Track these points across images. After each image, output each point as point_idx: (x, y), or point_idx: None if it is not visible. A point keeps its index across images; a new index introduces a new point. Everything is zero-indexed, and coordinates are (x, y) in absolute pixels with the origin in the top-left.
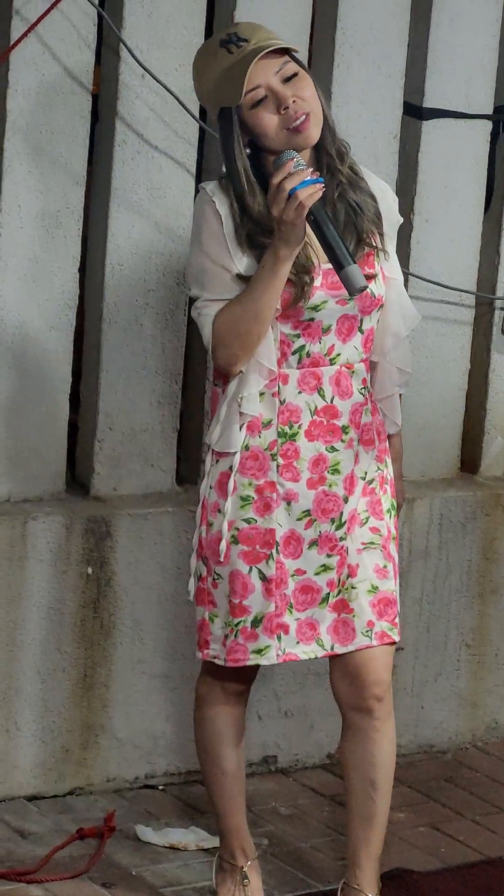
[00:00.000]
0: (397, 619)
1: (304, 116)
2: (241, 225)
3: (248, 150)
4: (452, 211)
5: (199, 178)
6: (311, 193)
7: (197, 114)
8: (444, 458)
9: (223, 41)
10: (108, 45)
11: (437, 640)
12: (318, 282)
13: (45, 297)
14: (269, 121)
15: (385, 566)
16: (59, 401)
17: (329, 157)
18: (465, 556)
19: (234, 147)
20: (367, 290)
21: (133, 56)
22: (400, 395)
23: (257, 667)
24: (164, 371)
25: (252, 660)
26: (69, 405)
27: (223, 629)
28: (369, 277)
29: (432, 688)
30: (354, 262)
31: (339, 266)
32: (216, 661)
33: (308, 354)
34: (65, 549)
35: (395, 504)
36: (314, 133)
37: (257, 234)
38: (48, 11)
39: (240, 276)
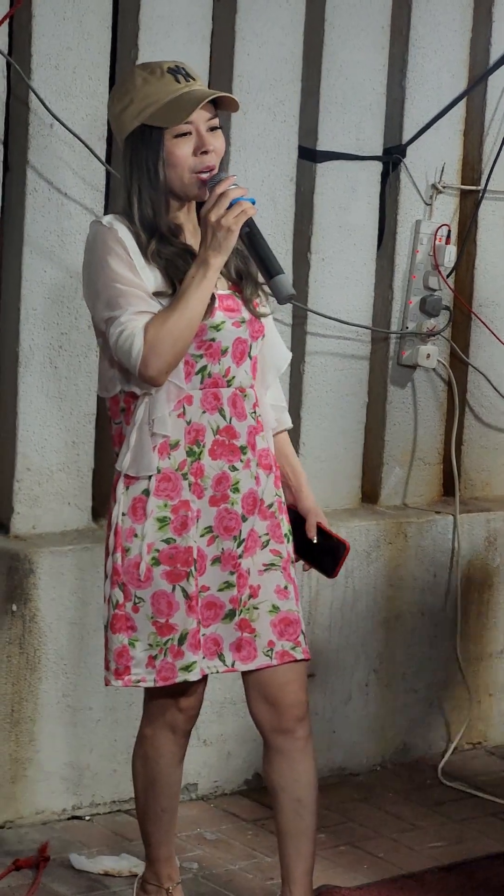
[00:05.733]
0: (300, 639)
1: (208, 171)
2: (147, 243)
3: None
4: (347, 249)
5: None
6: (251, 205)
7: (104, 158)
8: (346, 489)
9: (171, 69)
10: (16, 97)
11: (346, 666)
12: (215, 303)
13: None
14: (184, 154)
15: (286, 587)
16: None
17: None
18: (370, 583)
19: (158, 160)
20: (261, 316)
21: (44, 105)
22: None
23: (201, 704)
24: (77, 412)
25: (180, 676)
26: None
27: (147, 651)
28: (261, 315)
29: (343, 712)
30: (284, 272)
31: (269, 275)
32: (141, 684)
33: (209, 375)
34: None
35: (290, 529)
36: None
37: (163, 247)
38: None
39: (154, 294)
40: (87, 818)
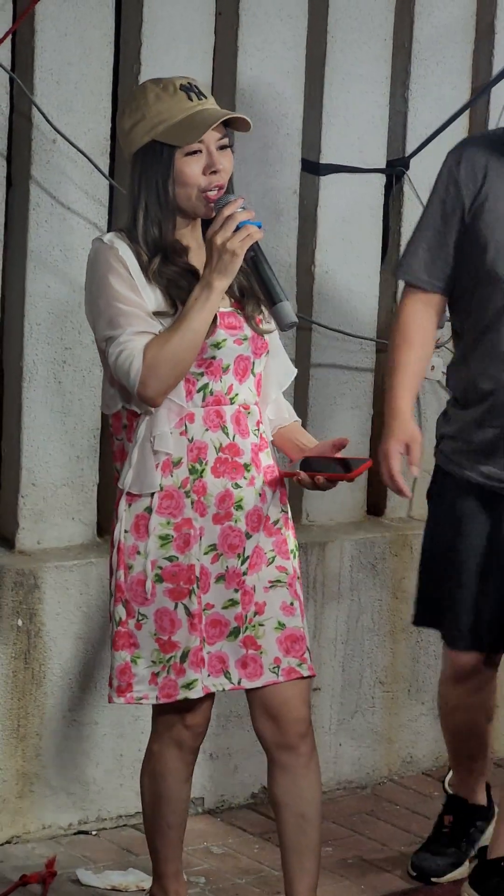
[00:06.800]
0: (306, 655)
1: (217, 190)
2: (149, 261)
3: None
4: (351, 262)
5: None
6: (258, 229)
7: (107, 173)
8: (352, 502)
9: (184, 87)
10: (19, 112)
11: (353, 679)
12: (217, 322)
13: None
14: (194, 173)
15: (292, 603)
16: None
17: None
18: (376, 595)
19: (168, 177)
20: (264, 333)
21: (47, 120)
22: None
23: (208, 721)
24: (82, 427)
25: (181, 694)
26: None
27: (150, 668)
28: (263, 332)
29: (349, 725)
30: (287, 299)
31: (272, 301)
32: (144, 701)
33: (211, 392)
34: None
35: (298, 546)
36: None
37: (165, 266)
38: None
39: (155, 314)
40: (94, 833)
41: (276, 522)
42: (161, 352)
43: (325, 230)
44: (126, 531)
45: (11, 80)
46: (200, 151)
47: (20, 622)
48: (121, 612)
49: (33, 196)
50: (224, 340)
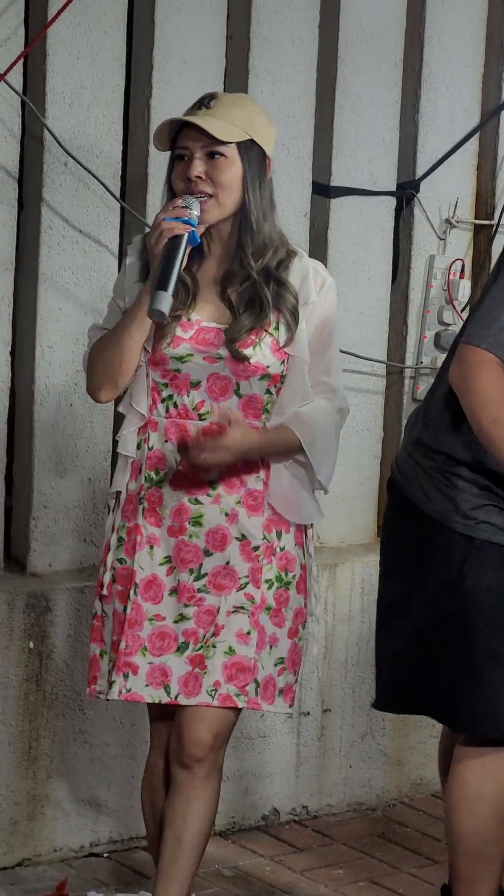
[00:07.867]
0: (249, 688)
1: (203, 196)
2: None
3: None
4: (361, 284)
5: (121, 259)
6: (174, 226)
7: (119, 195)
8: (362, 524)
9: (200, 98)
10: (31, 135)
11: (363, 701)
12: (188, 335)
13: None
14: (176, 178)
15: (248, 633)
16: None
17: (242, 251)
18: None
19: (167, 181)
20: (244, 359)
21: (58, 143)
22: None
23: None
24: (93, 449)
25: (109, 694)
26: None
27: (109, 665)
28: (242, 358)
29: (359, 747)
30: (169, 292)
31: (156, 287)
32: (101, 696)
33: (175, 405)
34: (7, 625)
35: (281, 577)
36: (207, 217)
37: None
38: None
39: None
40: (105, 855)
41: (256, 549)
42: (94, 350)
43: (336, 253)
44: (109, 529)
45: (23, 104)
46: (186, 158)
47: (32, 644)
48: (96, 606)
49: (45, 219)
50: (189, 355)
